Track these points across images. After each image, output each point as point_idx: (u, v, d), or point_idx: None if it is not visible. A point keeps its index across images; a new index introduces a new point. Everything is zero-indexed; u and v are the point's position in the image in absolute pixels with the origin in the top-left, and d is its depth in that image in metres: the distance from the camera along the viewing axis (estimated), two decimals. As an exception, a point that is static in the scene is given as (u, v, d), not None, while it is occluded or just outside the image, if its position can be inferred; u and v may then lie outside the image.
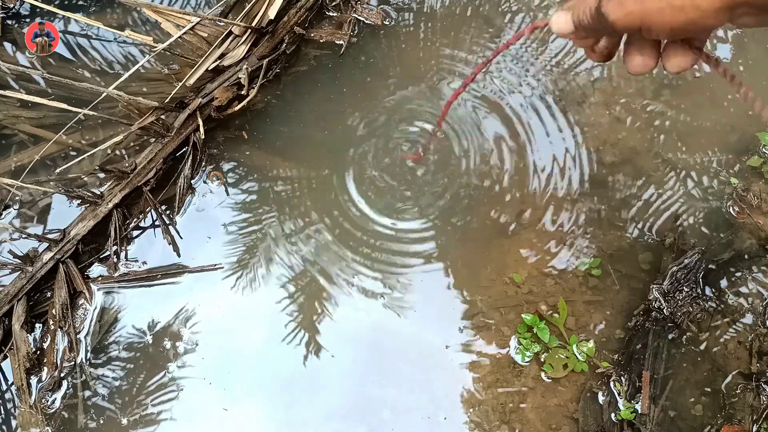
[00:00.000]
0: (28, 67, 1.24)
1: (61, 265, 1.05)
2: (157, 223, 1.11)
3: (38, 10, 1.28)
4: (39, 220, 1.12)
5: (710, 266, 1.07)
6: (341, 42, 1.26)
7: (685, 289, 1.04)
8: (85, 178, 1.14)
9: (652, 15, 0.47)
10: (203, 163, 1.16)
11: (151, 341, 1.05)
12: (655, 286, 1.05)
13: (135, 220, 1.12)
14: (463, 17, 1.30)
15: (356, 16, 1.28)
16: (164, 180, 1.13)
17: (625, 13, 0.48)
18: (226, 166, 1.17)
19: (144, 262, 1.09)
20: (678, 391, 1.00)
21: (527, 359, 1.02)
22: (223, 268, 1.09)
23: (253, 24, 1.17)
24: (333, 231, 1.12)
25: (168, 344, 1.05)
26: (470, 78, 0.82)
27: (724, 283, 1.07)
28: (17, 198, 1.13)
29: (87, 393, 1.01)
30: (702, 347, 1.03)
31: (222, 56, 1.17)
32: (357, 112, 1.21)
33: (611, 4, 0.49)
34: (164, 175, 1.13)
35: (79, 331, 1.04)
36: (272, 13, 1.16)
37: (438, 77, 1.24)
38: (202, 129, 1.13)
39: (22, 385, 0.99)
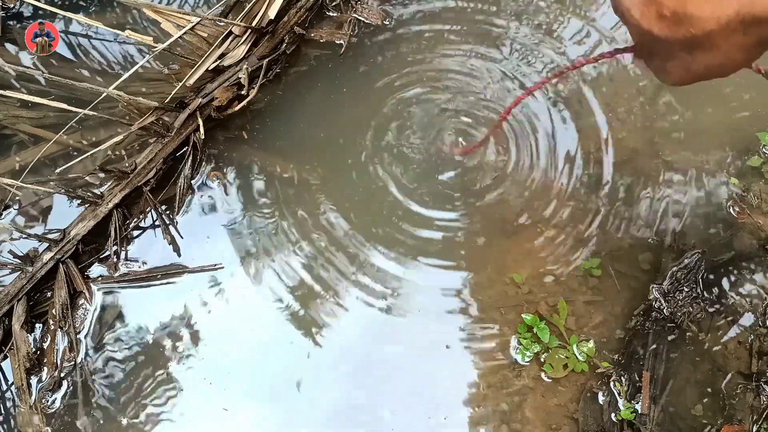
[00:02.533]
0: (28, 67, 1.24)
1: (61, 265, 1.05)
2: (157, 223, 1.12)
3: (39, 10, 1.28)
4: (39, 220, 1.12)
5: (710, 266, 1.07)
6: (341, 42, 1.26)
7: (685, 289, 1.04)
8: (87, 178, 1.13)
9: (699, 78, 0.60)
10: (203, 163, 1.16)
11: (151, 341, 1.05)
12: (655, 286, 1.05)
13: (135, 220, 1.12)
14: (464, 17, 1.30)
15: (356, 16, 1.28)
16: (164, 180, 1.13)
17: (678, 80, 0.62)
18: (226, 166, 1.17)
19: (144, 262, 1.09)
20: (678, 391, 1.00)
21: (527, 359, 1.02)
22: (223, 268, 1.09)
23: (253, 24, 1.17)
24: (333, 231, 1.12)
25: (168, 344, 1.05)
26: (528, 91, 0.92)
27: (724, 283, 1.07)
28: (17, 198, 1.13)
29: (87, 393, 1.01)
30: (702, 347, 1.03)
31: (222, 56, 1.17)
32: (357, 112, 1.21)
33: (662, 76, 0.63)
34: (164, 175, 1.13)
35: (79, 331, 1.04)
36: (272, 13, 1.16)
37: (439, 77, 1.24)
38: (202, 129, 1.13)
39: (22, 385, 0.99)
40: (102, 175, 1.12)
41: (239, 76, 1.16)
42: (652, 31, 0.57)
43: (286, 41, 1.22)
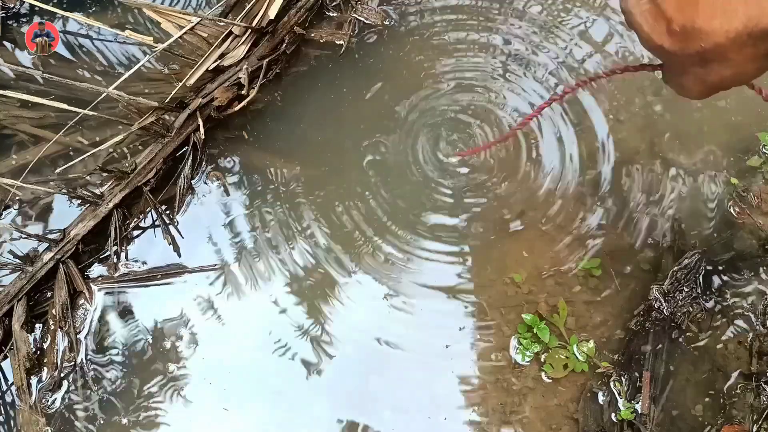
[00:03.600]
0: (28, 67, 1.24)
1: (61, 265, 1.05)
2: (157, 223, 1.12)
3: (36, 8, 1.28)
4: (39, 220, 1.12)
5: (710, 266, 1.07)
6: (341, 42, 1.26)
7: (685, 289, 1.04)
8: (88, 177, 1.13)
9: (716, 89, 0.61)
10: (203, 163, 1.16)
11: (151, 341, 1.05)
12: (655, 286, 1.05)
13: (135, 220, 1.12)
14: (464, 17, 1.30)
15: (356, 16, 1.28)
16: (164, 180, 1.13)
17: (696, 94, 0.63)
18: (226, 166, 1.17)
19: (144, 262, 1.09)
20: (678, 391, 1.00)
21: (527, 359, 1.02)
22: (223, 268, 1.09)
23: (253, 24, 1.17)
24: (333, 231, 1.12)
25: (168, 344, 1.05)
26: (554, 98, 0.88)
27: (724, 283, 1.07)
28: (17, 198, 1.13)
29: (87, 393, 1.01)
30: (702, 347, 1.03)
31: (222, 56, 1.17)
32: (358, 112, 1.21)
33: (679, 90, 0.65)
34: (164, 175, 1.13)
35: (79, 331, 1.04)
36: (272, 13, 1.17)
37: (440, 77, 1.24)
38: (202, 129, 1.13)
39: (22, 385, 0.99)
40: (103, 174, 1.12)
41: (239, 76, 1.16)
42: (664, 46, 0.57)
43: (286, 41, 1.22)
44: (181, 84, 1.12)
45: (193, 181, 1.15)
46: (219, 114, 1.16)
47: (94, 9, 1.31)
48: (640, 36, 0.60)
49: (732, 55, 0.54)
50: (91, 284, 1.07)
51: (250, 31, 1.17)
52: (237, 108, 1.17)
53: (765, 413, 0.97)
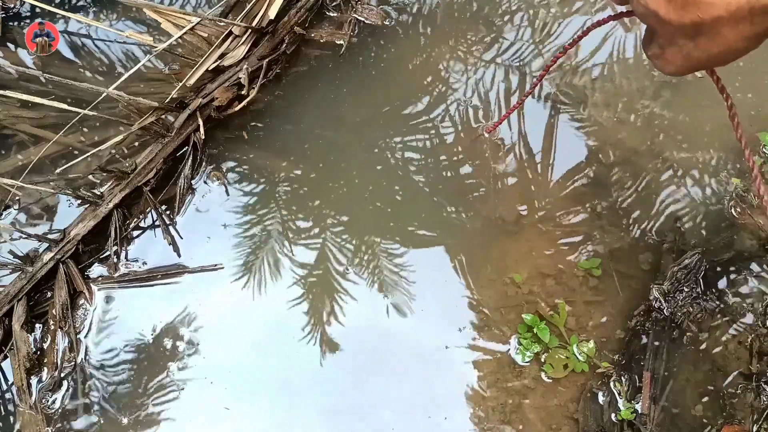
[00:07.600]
0: (28, 67, 1.24)
1: (61, 265, 1.05)
2: (157, 223, 1.12)
3: (38, 10, 1.28)
4: (39, 220, 1.12)
5: (710, 266, 1.07)
6: (341, 42, 1.26)
7: (685, 289, 1.04)
8: (90, 177, 1.13)
9: (697, 67, 0.58)
10: (203, 163, 1.16)
11: (151, 341, 1.05)
12: (655, 286, 1.05)
13: (135, 220, 1.12)
14: (464, 16, 1.30)
15: (356, 16, 1.28)
16: (164, 180, 1.13)
17: (674, 69, 0.60)
18: (226, 166, 1.17)
19: (144, 262, 1.09)
20: (678, 391, 1.00)
21: (527, 359, 1.02)
22: (223, 268, 1.09)
23: (254, 24, 1.17)
24: (332, 231, 1.12)
25: (169, 344, 1.05)
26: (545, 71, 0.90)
27: (724, 283, 1.07)
28: (17, 198, 1.13)
29: (87, 393, 1.01)
30: (702, 347, 1.03)
31: (222, 56, 1.17)
32: (358, 112, 1.21)
33: (660, 63, 0.61)
34: (164, 175, 1.13)
35: (79, 331, 1.04)
36: (272, 14, 1.17)
37: (440, 76, 1.24)
38: (202, 129, 1.13)
39: (23, 385, 0.99)
40: (103, 174, 1.12)
41: (239, 76, 1.16)
42: (659, 13, 0.56)
43: (286, 41, 1.22)
44: (181, 84, 1.12)
45: (193, 181, 1.15)
46: (219, 114, 1.16)
47: (94, 9, 1.31)
48: (637, 1, 0.58)
49: (726, 30, 0.53)
50: (91, 284, 1.07)
51: (250, 31, 1.17)
52: (237, 108, 1.17)
53: (765, 413, 0.97)
